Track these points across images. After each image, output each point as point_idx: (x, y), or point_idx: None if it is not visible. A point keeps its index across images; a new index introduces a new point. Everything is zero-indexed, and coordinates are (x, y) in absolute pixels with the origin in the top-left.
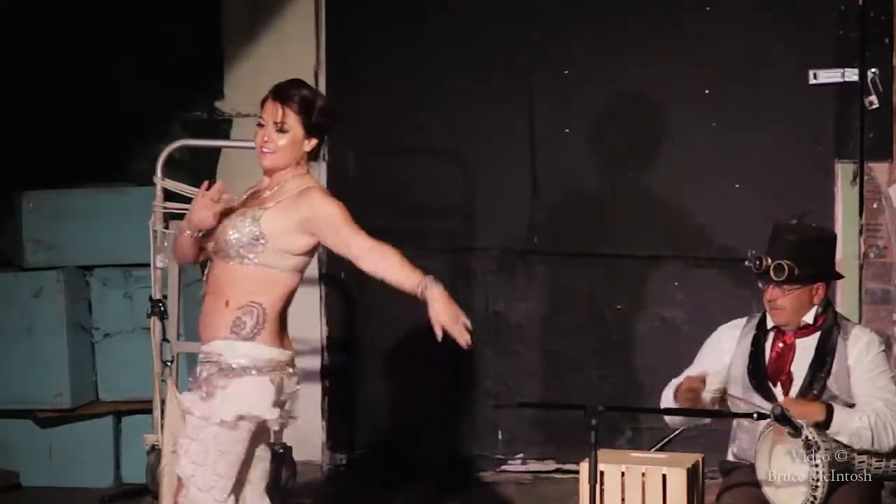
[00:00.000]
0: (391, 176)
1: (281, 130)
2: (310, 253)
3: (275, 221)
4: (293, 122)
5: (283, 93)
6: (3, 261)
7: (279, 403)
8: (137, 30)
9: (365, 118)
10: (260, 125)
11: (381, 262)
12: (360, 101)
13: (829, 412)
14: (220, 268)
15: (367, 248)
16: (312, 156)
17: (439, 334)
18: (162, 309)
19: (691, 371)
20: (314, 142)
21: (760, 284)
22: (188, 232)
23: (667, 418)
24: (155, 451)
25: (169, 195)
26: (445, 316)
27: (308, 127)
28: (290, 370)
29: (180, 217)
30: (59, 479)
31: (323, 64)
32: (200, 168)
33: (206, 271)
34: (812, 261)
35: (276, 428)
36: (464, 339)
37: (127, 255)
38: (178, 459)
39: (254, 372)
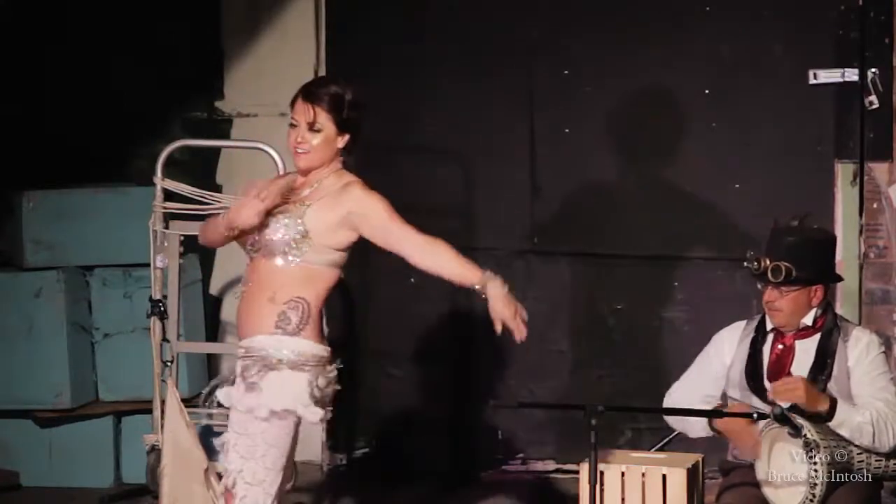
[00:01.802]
0: (391, 175)
1: (314, 130)
2: (349, 248)
3: (318, 218)
4: (325, 120)
5: (313, 92)
6: (3, 261)
7: (319, 400)
8: (137, 30)
9: (365, 118)
10: (292, 125)
11: (437, 258)
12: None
13: (833, 404)
14: (262, 265)
15: (421, 245)
16: (347, 150)
17: (499, 328)
18: (162, 309)
19: (691, 375)
20: (346, 137)
21: (759, 285)
22: (223, 230)
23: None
24: (155, 451)
25: (169, 195)
26: (507, 311)
27: (340, 124)
28: (329, 367)
29: (180, 217)
30: (59, 479)
31: (323, 64)
32: (200, 168)
33: (247, 268)
34: (810, 263)
35: (316, 422)
36: (520, 333)
37: (127, 255)
38: (226, 455)
39: (300, 367)
